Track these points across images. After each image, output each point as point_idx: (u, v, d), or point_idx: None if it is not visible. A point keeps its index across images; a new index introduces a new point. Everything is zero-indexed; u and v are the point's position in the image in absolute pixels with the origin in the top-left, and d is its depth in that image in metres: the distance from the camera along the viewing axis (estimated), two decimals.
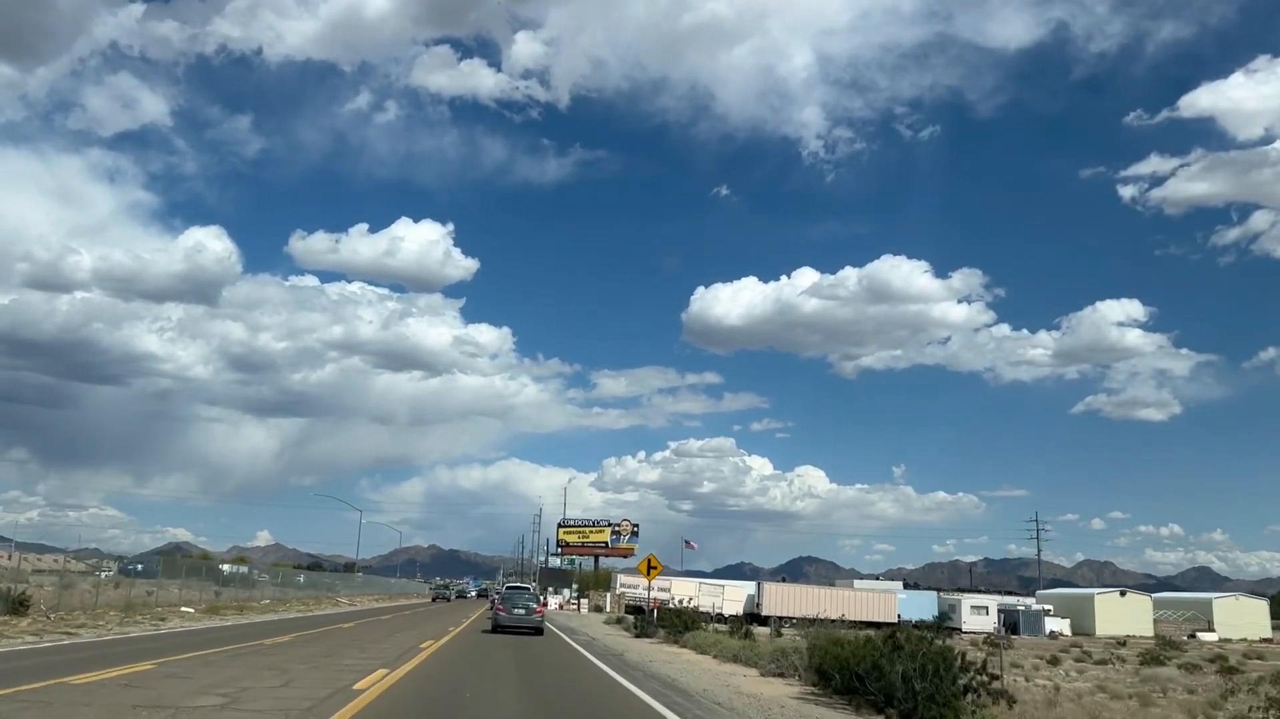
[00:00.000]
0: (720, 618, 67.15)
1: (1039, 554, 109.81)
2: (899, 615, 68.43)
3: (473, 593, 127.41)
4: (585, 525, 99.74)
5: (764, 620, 68.53)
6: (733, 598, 67.91)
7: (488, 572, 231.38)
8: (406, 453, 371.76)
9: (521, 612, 31.68)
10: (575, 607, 72.58)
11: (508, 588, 41.66)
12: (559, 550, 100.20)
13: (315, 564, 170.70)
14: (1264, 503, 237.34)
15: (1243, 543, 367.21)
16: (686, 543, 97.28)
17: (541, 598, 71.58)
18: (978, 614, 70.46)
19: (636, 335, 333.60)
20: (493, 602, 41.91)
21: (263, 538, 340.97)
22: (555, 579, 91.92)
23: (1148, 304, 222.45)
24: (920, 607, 72.24)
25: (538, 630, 31.68)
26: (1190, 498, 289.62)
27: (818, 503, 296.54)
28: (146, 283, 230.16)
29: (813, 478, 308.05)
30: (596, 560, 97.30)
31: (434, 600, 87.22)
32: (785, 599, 69.16)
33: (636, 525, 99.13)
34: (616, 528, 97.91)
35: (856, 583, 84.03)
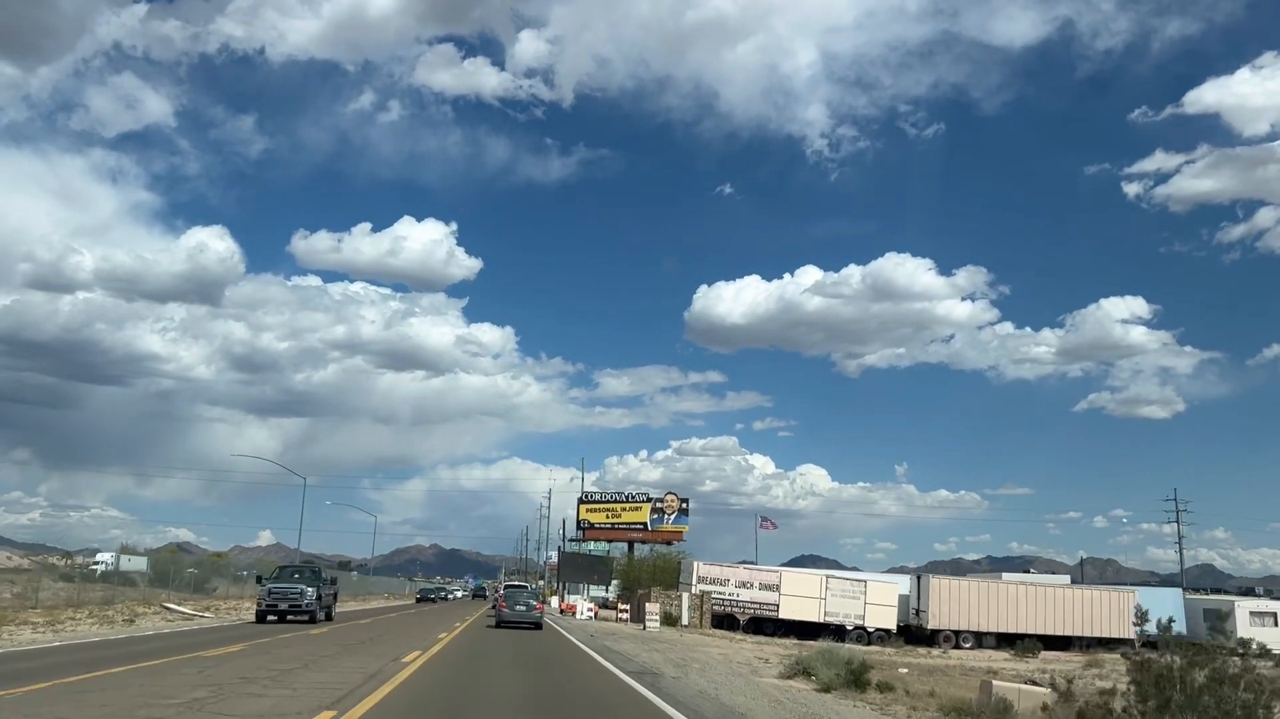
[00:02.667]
0: (864, 634, 41.22)
1: (1179, 540, 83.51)
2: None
3: (460, 593, 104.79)
4: (616, 501, 73.53)
5: (930, 639, 42.47)
6: (880, 600, 41.78)
7: (490, 571, 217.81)
8: (408, 453, 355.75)
9: (522, 608, 33.14)
10: (627, 616, 43.65)
11: (507, 587, 47.00)
12: (579, 535, 74.11)
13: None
14: (1266, 500, 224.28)
15: (1244, 540, 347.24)
16: (763, 520, 70.39)
17: (562, 600, 49.61)
18: (1261, 624, 44.30)
19: (639, 334, 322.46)
20: (495, 601, 43.68)
21: (264, 538, 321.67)
22: (584, 570, 62.80)
23: (1152, 301, 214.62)
24: (1157, 612, 46.10)
25: (537, 625, 32.78)
26: (1193, 495, 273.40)
27: (820, 501, 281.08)
28: (149, 283, 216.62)
29: (815, 476, 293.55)
30: (631, 547, 71.15)
31: (260, 619, 29.76)
32: (964, 602, 42.80)
33: (685, 500, 73.07)
34: (659, 503, 71.70)
35: (1023, 576, 57.75)
